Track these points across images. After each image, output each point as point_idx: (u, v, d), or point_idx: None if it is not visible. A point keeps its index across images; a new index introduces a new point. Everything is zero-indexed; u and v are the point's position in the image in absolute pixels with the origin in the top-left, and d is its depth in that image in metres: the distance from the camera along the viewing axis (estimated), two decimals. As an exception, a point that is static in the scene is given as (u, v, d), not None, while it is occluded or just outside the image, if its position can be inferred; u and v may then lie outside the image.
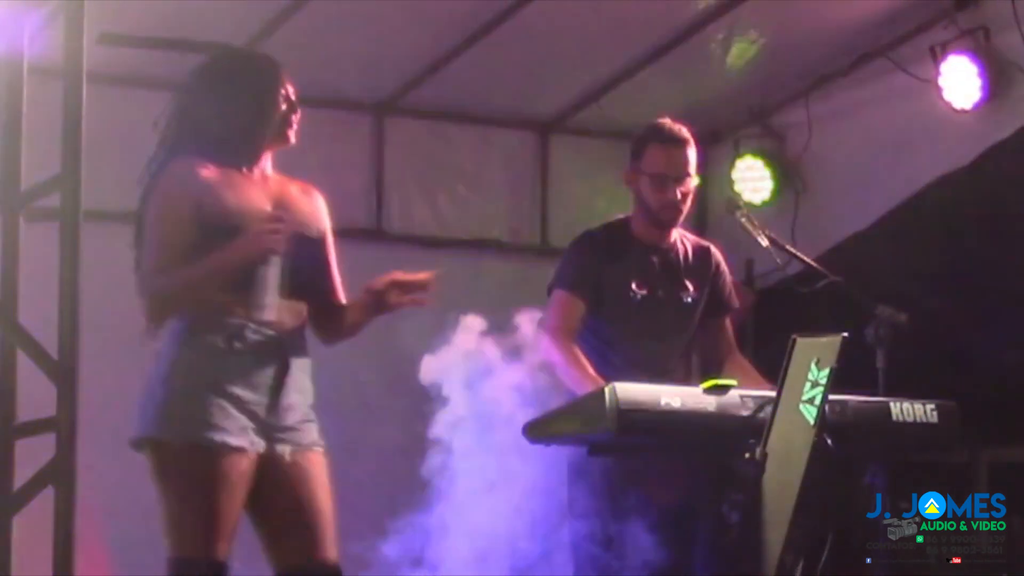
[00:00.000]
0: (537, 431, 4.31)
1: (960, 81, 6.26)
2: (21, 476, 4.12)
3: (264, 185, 3.99)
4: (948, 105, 6.33)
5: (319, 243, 4.03)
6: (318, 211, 4.09)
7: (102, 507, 5.65)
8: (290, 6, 5.88)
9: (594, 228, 4.93)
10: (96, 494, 4.63)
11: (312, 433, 3.94)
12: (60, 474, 3.96)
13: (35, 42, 4.24)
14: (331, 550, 3.89)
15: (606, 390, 4.02)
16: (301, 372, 3.94)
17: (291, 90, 4.02)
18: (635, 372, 4.51)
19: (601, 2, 6.11)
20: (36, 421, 4.10)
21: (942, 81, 6.31)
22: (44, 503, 4.00)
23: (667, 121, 4.88)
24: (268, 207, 3.92)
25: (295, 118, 4.01)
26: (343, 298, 4.11)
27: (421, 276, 3.98)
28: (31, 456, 4.12)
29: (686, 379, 4.73)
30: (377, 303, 4.00)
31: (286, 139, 4.02)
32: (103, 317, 4.86)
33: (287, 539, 3.87)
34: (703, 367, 4.93)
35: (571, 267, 4.80)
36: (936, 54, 6.31)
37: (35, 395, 4.16)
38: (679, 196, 4.77)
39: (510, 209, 7.14)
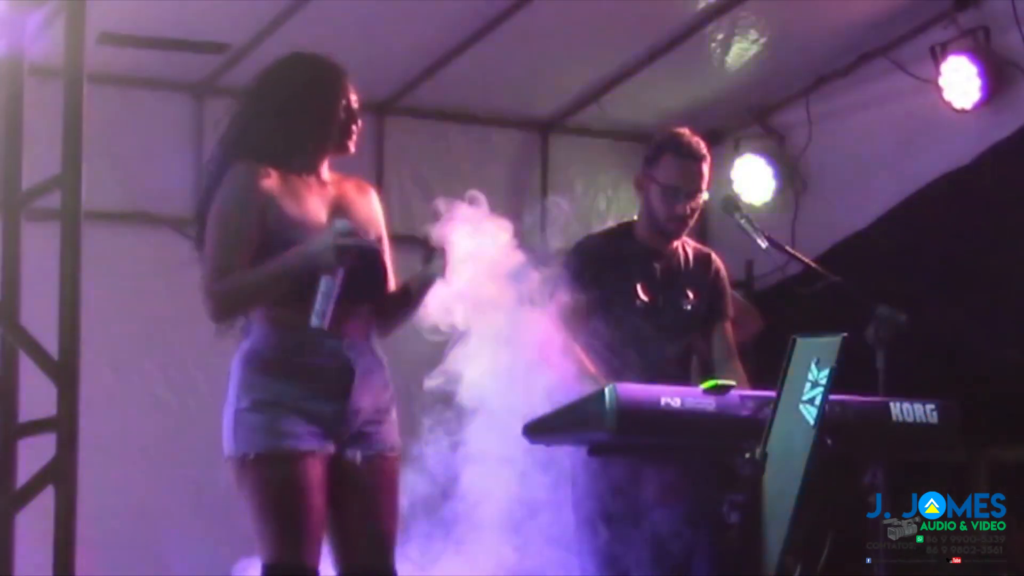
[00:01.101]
0: (537, 431, 4.31)
1: (960, 81, 6.26)
2: (23, 475, 4.13)
3: (322, 190, 3.96)
4: (948, 105, 6.33)
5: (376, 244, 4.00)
6: (374, 211, 4.07)
7: (105, 507, 5.66)
8: (290, 6, 5.88)
9: (597, 232, 4.91)
10: (95, 494, 4.63)
11: (385, 436, 3.95)
12: (60, 474, 3.96)
13: (35, 42, 4.25)
14: (389, 557, 3.94)
15: (606, 390, 4.01)
16: (371, 374, 3.93)
17: (353, 99, 3.99)
18: (633, 376, 4.50)
19: (601, 2, 6.12)
20: (37, 421, 4.10)
21: (942, 81, 6.32)
22: (45, 502, 4.01)
23: (686, 133, 4.82)
24: (326, 215, 3.91)
25: (355, 127, 3.99)
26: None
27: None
28: (32, 456, 4.13)
29: (684, 384, 4.72)
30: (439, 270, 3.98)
31: (345, 148, 4.00)
32: (103, 317, 4.87)
33: (349, 544, 3.92)
34: (702, 372, 4.91)
35: (572, 269, 4.78)
36: (936, 54, 6.31)
37: (35, 395, 4.17)
38: (687, 211, 4.75)
39: (510, 209, 7.13)
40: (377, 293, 3.98)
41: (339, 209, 3.96)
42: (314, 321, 3.75)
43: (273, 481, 3.80)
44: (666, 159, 4.77)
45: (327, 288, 3.75)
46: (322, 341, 3.84)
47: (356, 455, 3.90)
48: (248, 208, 3.85)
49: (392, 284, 4.06)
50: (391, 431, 3.99)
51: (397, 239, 4.18)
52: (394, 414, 4.01)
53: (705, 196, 4.79)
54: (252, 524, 3.83)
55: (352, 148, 4.01)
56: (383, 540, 3.94)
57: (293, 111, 3.94)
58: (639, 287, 4.75)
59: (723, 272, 4.96)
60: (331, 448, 3.86)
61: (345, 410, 3.88)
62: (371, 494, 3.92)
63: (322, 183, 3.98)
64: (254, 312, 3.90)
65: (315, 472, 3.83)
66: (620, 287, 4.74)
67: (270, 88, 4.01)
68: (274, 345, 3.86)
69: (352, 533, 3.92)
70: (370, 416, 3.93)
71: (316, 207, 3.93)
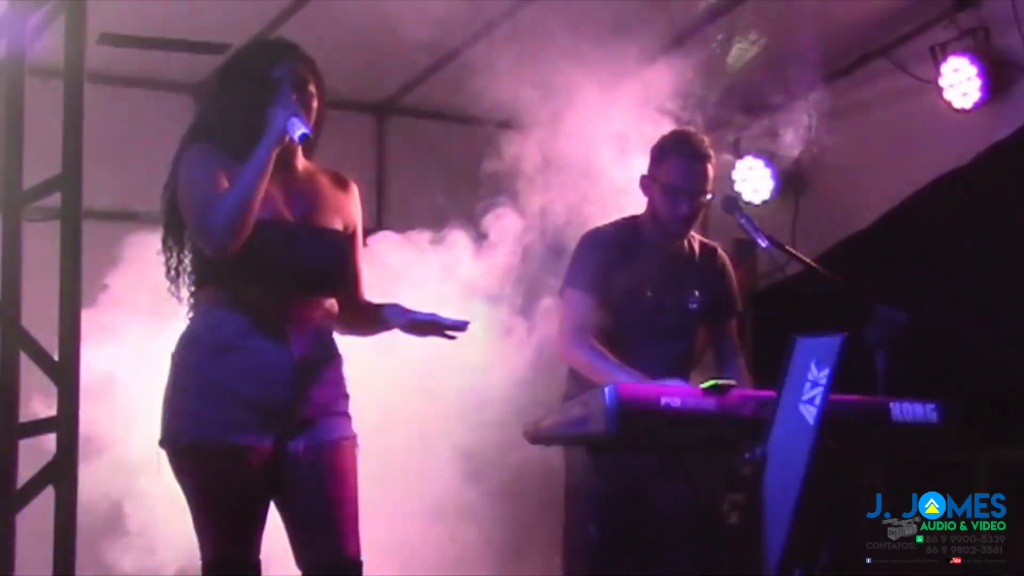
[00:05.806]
0: (536, 431, 4.31)
1: (960, 81, 6.27)
2: (23, 476, 4.13)
3: (288, 179, 3.88)
4: (948, 105, 6.34)
5: (342, 236, 3.93)
6: (348, 204, 3.99)
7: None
8: (290, 6, 5.89)
9: (603, 226, 4.89)
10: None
11: (337, 428, 3.86)
12: (60, 474, 3.96)
13: (35, 42, 4.25)
14: (350, 545, 3.81)
15: (606, 390, 4.01)
16: (324, 366, 3.86)
17: (300, 74, 3.90)
18: (640, 371, 4.51)
19: (601, 2, 6.11)
20: (37, 421, 4.10)
21: (942, 81, 6.32)
22: (45, 502, 4.01)
23: (691, 132, 4.83)
24: (286, 204, 3.85)
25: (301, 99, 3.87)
26: (363, 293, 4.04)
27: (459, 322, 3.93)
28: (32, 456, 4.13)
29: (686, 380, 4.72)
30: (411, 331, 3.98)
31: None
32: (104, 317, 4.86)
33: (306, 535, 3.82)
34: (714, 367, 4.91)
35: (582, 266, 4.77)
36: (936, 54, 6.32)
37: (35, 395, 4.17)
38: (691, 211, 4.74)
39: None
40: (331, 281, 3.89)
41: (306, 198, 3.88)
42: (303, 134, 3.75)
43: (208, 476, 3.72)
44: (671, 160, 4.76)
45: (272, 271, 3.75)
46: (272, 326, 3.78)
47: (299, 445, 3.78)
48: (214, 168, 3.77)
49: (358, 278, 4.00)
50: (343, 424, 3.88)
51: (397, 239, 4.21)
52: (348, 410, 3.91)
53: (709, 196, 4.78)
54: (191, 514, 3.77)
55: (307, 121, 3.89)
56: (341, 530, 3.80)
57: (227, 102, 3.87)
58: (645, 284, 4.74)
59: (729, 266, 4.96)
60: (268, 442, 3.75)
61: (286, 397, 3.78)
62: (319, 484, 3.79)
63: (290, 172, 3.88)
64: (198, 296, 3.86)
65: (249, 465, 3.72)
66: (626, 283, 4.73)
67: (215, 84, 4.00)
68: (212, 326, 3.79)
69: (307, 527, 3.80)
70: (319, 410, 3.83)
71: (275, 196, 3.83)
